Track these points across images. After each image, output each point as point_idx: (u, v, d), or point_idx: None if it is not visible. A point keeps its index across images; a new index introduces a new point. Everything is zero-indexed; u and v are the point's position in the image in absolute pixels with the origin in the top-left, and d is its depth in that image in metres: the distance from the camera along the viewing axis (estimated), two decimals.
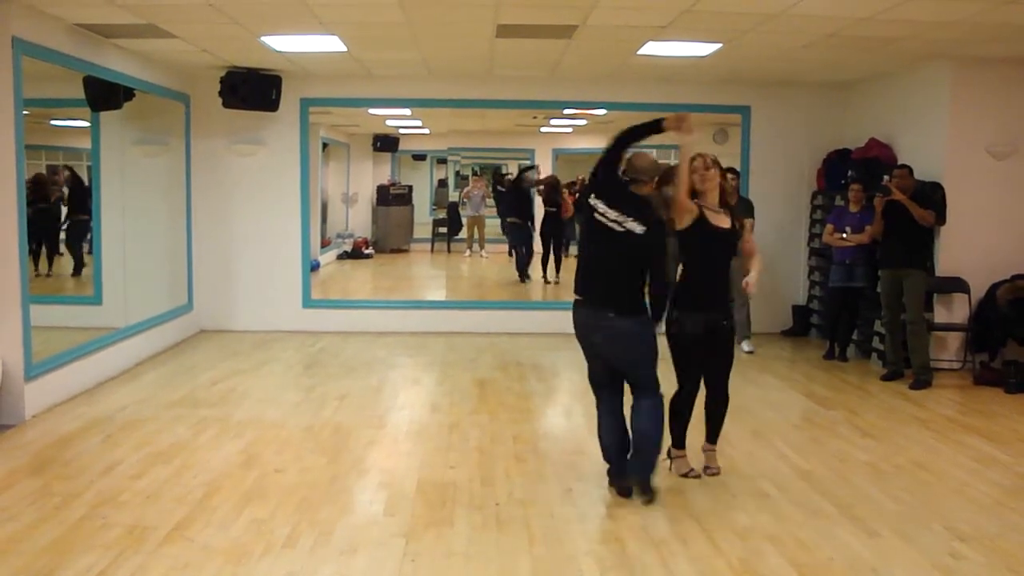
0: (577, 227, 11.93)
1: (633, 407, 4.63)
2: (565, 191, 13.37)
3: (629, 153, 4.64)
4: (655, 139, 4.60)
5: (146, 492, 4.61)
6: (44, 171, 8.48)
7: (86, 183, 8.06)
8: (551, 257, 13.06)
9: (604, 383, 4.73)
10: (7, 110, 5.78)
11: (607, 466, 4.76)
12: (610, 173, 4.61)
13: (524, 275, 13.17)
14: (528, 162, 15.89)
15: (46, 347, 6.31)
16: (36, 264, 7.84)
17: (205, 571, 3.70)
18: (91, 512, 4.31)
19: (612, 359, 4.62)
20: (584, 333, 4.65)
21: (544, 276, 13.04)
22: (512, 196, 14.08)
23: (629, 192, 4.55)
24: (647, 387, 4.59)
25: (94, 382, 6.94)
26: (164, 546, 3.93)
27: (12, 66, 5.77)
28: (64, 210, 8.68)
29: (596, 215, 4.52)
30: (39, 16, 6.09)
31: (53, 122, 8.54)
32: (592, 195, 4.59)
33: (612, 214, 4.47)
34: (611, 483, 4.72)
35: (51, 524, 4.15)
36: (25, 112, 5.92)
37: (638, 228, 4.43)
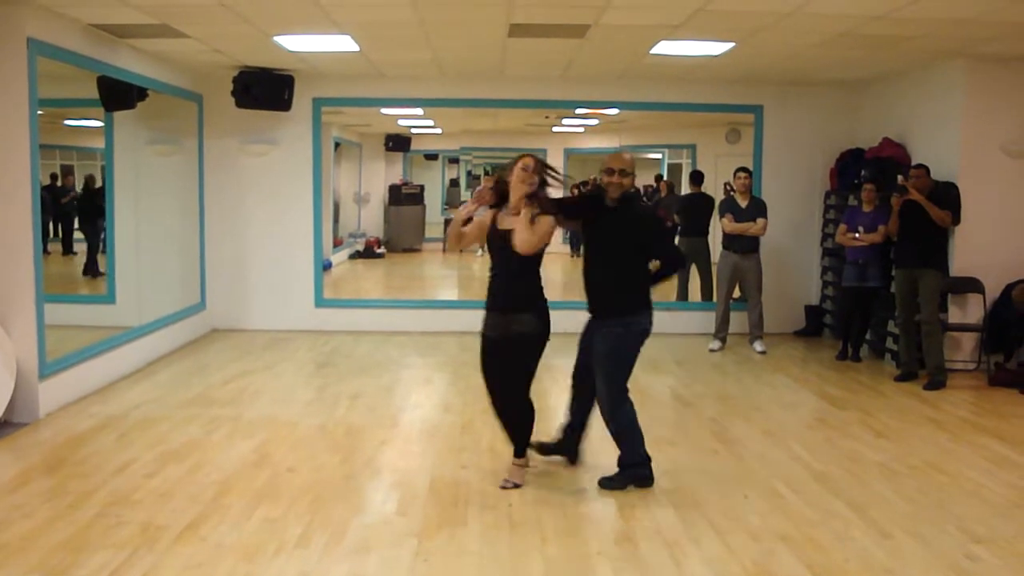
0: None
1: None
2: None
3: None
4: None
5: (159, 491, 4.62)
6: (58, 171, 8.52)
7: (98, 184, 8.10)
8: None
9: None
10: (22, 110, 5.81)
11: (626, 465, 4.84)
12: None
13: None
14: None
15: (60, 346, 6.34)
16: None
17: (218, 570, 3.71)
18: (104, 510, 4.32)
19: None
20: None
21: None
22: None
23: None
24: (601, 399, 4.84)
25: (107, 381, 6.97)
26: (177, 545, 3.94)
27: (27, 66, 5.79)
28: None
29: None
30: (54, 17, 6.12)
31: (67, 122, 8.58)
32: None
33: None
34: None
35: (65, 522, 4.17)
36: (40, 112, 5.95)
37: None
